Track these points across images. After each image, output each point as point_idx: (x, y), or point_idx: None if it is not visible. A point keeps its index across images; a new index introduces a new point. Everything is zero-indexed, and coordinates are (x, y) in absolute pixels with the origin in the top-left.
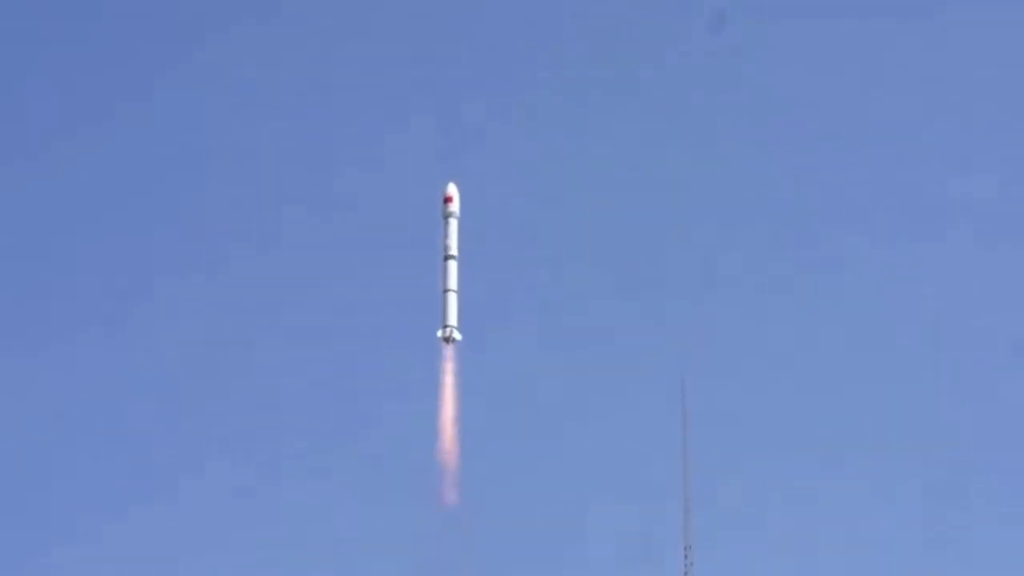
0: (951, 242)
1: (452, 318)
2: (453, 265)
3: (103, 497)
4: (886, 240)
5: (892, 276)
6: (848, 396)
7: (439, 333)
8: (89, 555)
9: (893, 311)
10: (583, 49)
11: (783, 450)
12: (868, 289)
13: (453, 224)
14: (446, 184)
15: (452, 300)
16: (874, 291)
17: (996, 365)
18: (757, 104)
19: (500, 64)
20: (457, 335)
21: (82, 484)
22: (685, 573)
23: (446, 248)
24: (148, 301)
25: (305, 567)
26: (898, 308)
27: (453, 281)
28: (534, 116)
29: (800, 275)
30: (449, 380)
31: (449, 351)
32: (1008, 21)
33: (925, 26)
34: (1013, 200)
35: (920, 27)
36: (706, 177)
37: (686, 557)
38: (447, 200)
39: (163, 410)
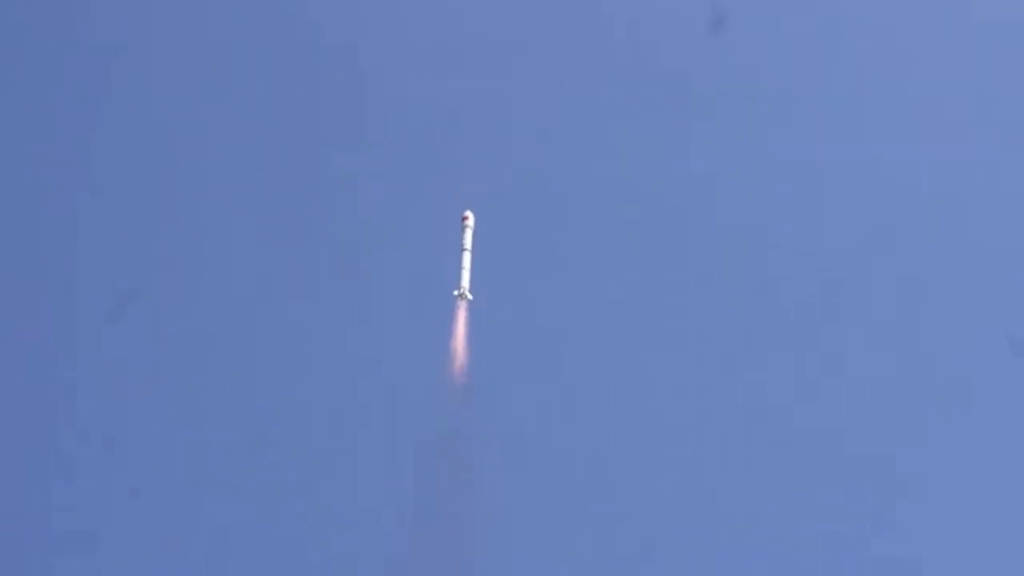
0: None
1: (465, 283)
2: (467, 255)
3: None
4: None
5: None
6: None
7: (455, 292)
8: None
9: None
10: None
11: None
12: None
13: (468, 231)
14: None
15: (466, 273)
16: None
17: None
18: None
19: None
20: (469, 295)
21: None
22: None
23: (463, 244)
24: None
25: (323, 431)
26: None
27: (467, 263)
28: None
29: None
30: (462, 323)
31: (462, 304)
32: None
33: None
34: None
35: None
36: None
37: None
38: (464, 219)
39: None
